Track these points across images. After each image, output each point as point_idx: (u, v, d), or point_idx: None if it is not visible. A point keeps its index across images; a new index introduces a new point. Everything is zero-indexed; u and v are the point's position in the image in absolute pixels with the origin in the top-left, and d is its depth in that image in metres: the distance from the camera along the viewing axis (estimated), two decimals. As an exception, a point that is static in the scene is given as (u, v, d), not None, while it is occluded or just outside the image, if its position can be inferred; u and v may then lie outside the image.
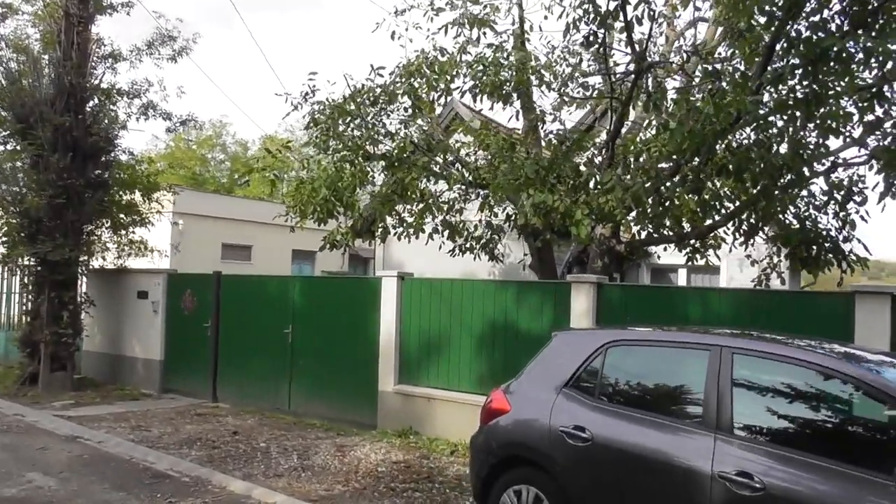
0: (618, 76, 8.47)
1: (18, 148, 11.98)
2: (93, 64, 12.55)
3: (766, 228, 9.57)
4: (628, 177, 8.14)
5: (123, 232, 13.56)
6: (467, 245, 12.29)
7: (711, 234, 10.45)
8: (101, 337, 13.03)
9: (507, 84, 8.81)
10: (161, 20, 16.09)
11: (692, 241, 10.52)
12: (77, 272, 12.15)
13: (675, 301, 7.35)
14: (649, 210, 8.17)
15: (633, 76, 8.34)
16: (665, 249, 11.59)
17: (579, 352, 4.83)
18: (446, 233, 11.75)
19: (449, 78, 9.41)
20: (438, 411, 8.61)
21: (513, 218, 9.95)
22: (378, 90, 9.87)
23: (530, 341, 7.99)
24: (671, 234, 10.22)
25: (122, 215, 13.41)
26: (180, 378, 11.91)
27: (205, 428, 9.23)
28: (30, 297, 12.52)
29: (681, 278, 14.06)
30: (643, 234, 9.69)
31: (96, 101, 12.57)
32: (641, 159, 8.70)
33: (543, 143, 9.13)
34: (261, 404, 10.63)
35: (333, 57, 60.91)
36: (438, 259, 14.72)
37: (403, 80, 9.78)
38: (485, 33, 9.46)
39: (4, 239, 12.41)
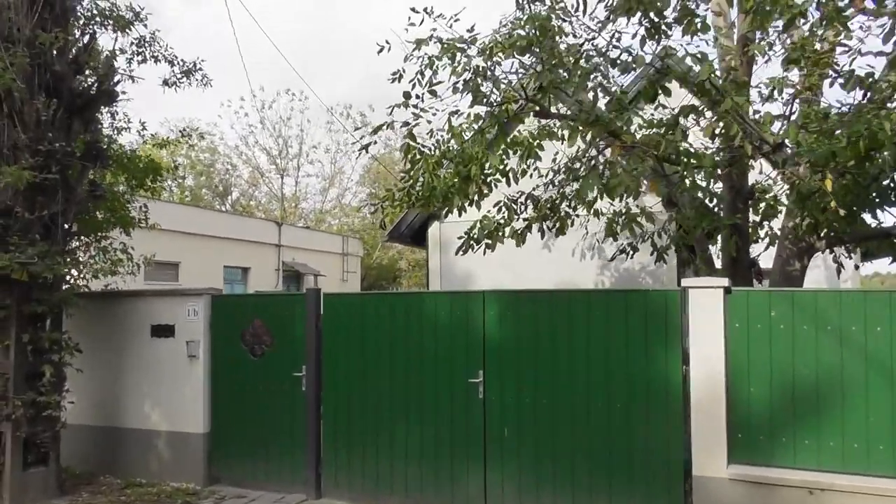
0: None
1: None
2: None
3: None
4: None
5: (100, 235, 8.89)
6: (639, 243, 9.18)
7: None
8: (86, 401, 8.14)
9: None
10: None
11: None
12: (64, 299, 7.26)
13: None
14: None
15: None
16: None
17: None
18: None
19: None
20: (839, 510, 5.18)
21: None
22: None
23: None
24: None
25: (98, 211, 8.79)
26: (242, 461, 7.49)
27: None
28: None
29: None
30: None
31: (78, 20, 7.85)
32: None
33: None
34: (414, 499, 6.62)
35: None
36: (514, 266, 11.22)
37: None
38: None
39: None
